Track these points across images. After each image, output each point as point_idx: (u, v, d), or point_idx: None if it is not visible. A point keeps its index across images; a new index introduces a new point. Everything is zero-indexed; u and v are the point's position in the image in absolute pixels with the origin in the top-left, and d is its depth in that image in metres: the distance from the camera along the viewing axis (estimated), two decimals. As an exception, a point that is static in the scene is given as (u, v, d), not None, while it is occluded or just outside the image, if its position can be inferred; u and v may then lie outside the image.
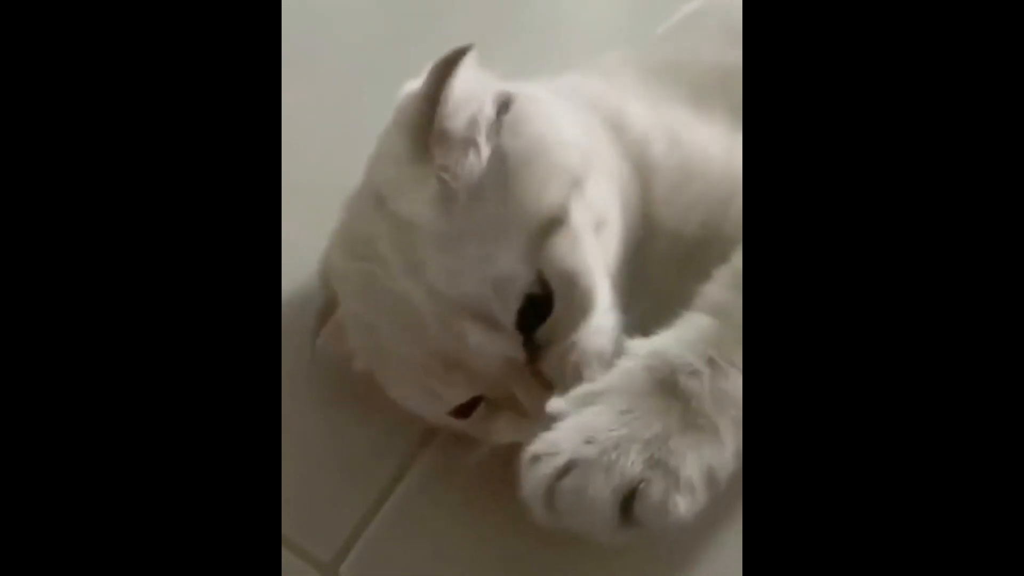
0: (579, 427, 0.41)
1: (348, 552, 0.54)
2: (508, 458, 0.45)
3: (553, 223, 0.45)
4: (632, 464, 0.40)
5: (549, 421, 0.42)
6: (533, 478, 0.41)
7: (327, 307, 0.52)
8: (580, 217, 0.46)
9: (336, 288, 0.51)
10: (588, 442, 0.41)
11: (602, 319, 0.46)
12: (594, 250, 0.46)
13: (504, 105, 0.47)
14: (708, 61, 0.54)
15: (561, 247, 0.45)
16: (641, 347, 0.43)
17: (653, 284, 0.49)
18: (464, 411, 0.48)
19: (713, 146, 0.50)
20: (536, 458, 0.41)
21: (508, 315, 0.44)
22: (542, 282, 0.44)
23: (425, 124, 0.45)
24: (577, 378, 0.44)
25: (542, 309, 0.45)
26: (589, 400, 0.42)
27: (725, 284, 0.45)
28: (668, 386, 0.41)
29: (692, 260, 0.49)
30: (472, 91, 0.46)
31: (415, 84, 0.49)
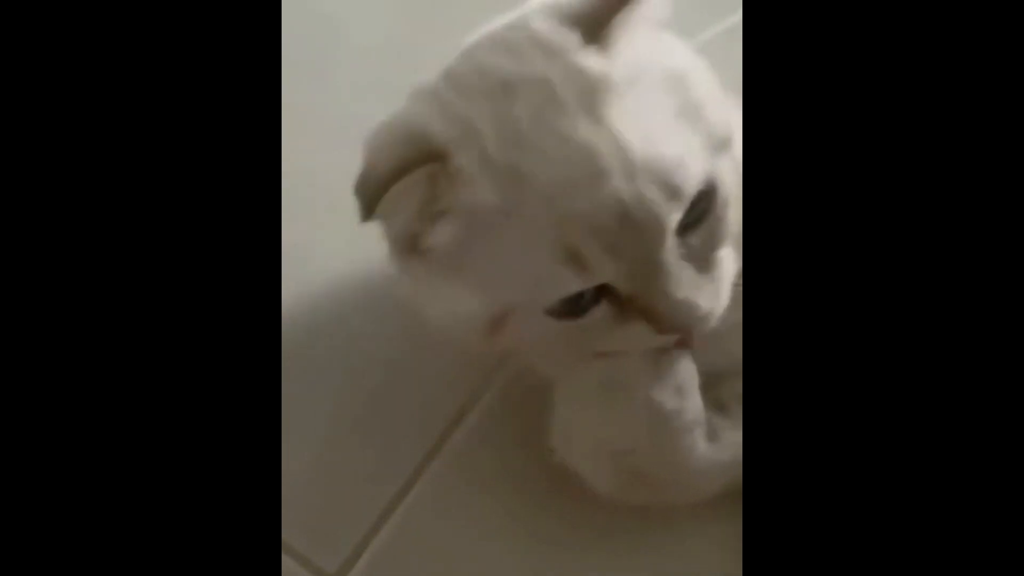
0: None
1: (355, 563, 0.54)
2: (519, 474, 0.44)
3: (726, 143, 0.46)
4: None
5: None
6: None
7: (405, 165, 0.44)
8: (728, 134, 0.47)
9: (448, 136, 0.44)
10: None
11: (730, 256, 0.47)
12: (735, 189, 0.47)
13: None
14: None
15: (726, 169, 0.46)
16: None
17: None
18: (573, 310, 0.46)
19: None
20: None
21: (687, 195, 0.44)
22: (707, 189, 0.45)
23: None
24: (722, 293, 0.46)
25: (697, 213, 0.45)
26: None
27: None
28: None
29: None
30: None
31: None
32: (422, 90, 0.47)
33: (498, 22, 0.48)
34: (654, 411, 0.49)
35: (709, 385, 0.51)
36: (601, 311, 0.45)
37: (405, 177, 0.44)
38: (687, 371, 0.50)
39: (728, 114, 0.47)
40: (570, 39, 0.44)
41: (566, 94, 0.43)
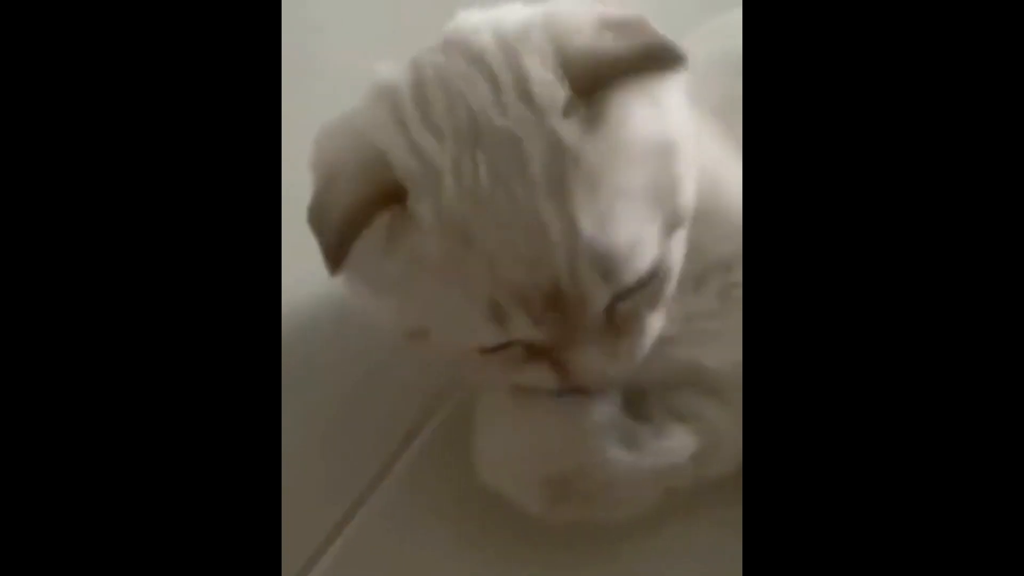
0: None
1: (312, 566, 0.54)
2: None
3: (681, 217, 0.46)
4: None
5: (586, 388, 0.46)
6: None
7: (365, 209, 0.43)
8: (688, 214, 0.47)
9: (408, 173, 0.43)
10: None
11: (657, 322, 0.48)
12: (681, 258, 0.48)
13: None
14: (721, 92, 0.54)
15: (677, 247, 0.47)
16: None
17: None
18: (487, 347, 0.46)
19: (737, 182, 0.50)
20: None
21: (626, 280, 0.43)
22: (651, 270, 0.45)
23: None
24: (626, 355, 0.46)
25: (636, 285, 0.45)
26: None
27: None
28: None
29: (708, 276, 0.51)
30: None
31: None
32: (386, 90, 0.45)
33: (508, 15, 0.46)
34: (568, 424, 0.49)
35: (636, 398, 0.52)
36: (513, 352, 0.46)
37: (366, 229, 0.43)
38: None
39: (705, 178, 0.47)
40: (557, 95, 0.42)
41: (534, 159, 0.42)
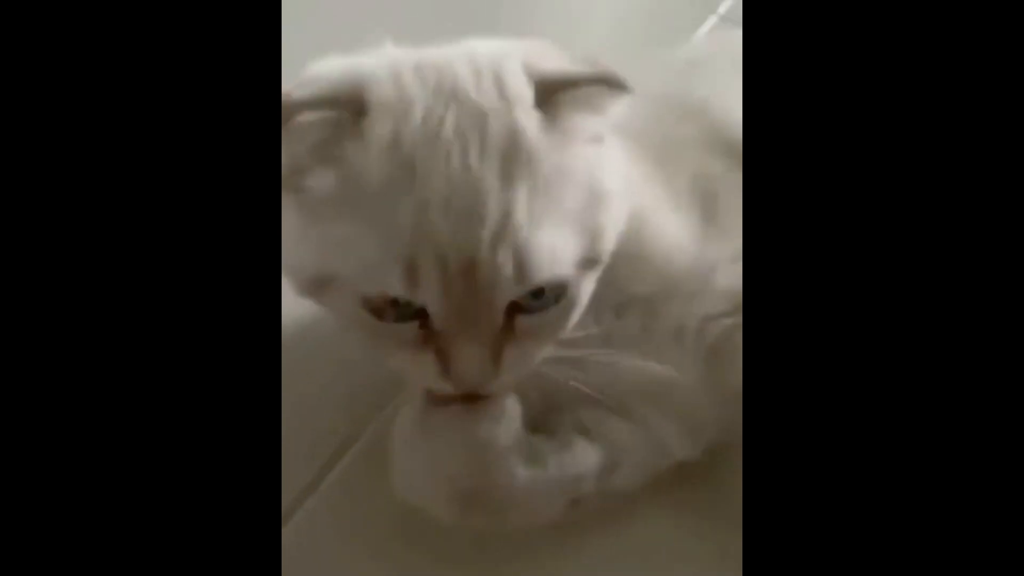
0: None
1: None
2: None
3: (597, 261, 0.49)
4: None
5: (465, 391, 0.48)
6: None
7: (327, 97, 0.45)
8: (605, 260, 0.50)
9: (380, 97, 0.45)
10: None
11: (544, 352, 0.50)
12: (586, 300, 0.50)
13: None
14: (663, 133, 0.58)
15: (587, 285, 0.49)
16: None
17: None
18: (385, 312, 0.47)
19: (673, 235, 0.54)
20: None
21: (534, 282, 0.45)
22: (557, 289, 0.47)
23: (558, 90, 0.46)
24: (518, 373, 0.49)
25: (541, 308, 0.47)
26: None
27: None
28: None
29: (630, 306, 0.55)
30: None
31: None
32: (389, 51, 0.49)
33: (495, 41, 0.50)
34: (473, 441, 0.51)
35: (541, 412, 0.55)
36: (407, 329, 0.47)
37: (320, 109, 0.45)
38: (504, 404, 0.52)
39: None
40: (526, 94, 0.46)
41: (494, 138, 0.44)
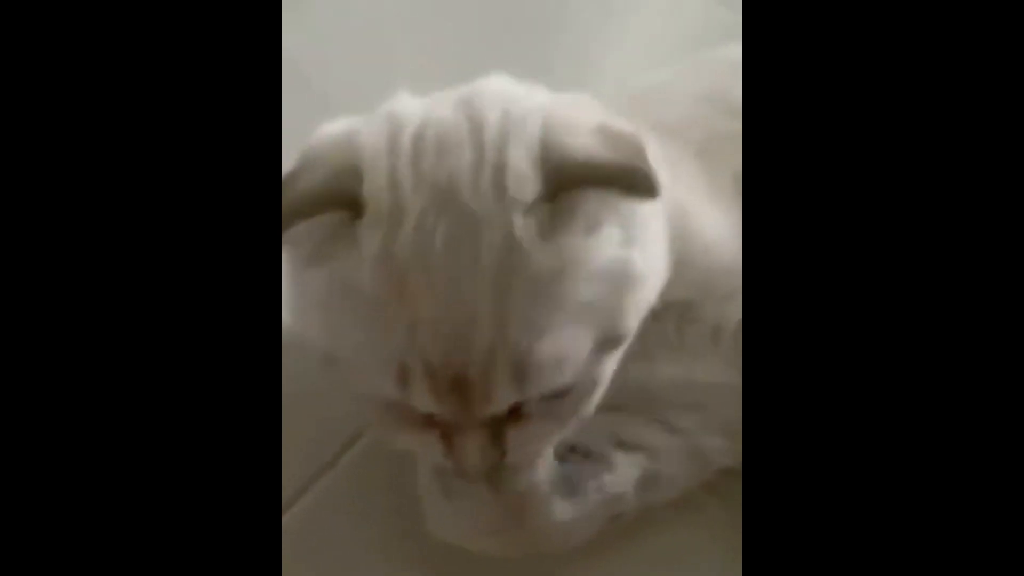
0: None
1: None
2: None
3: (621, 341, 0.45)
4: None
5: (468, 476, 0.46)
6: None
7: (323, 197, 0.43)
8: (630, 336, 0.46)
9: (374, 197, 0.43)
10: None
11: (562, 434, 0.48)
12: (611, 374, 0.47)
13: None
14: (707, 129, 0.55)
15: (608, 365, 0.46)
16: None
17: None
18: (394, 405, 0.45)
19: (713, 233, 0.51)
20: None
21: (538, 390, 0.43)
22: (577, 380, 0.44)
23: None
24: (527, 454, 0.47)
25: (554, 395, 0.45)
26: None
27: None
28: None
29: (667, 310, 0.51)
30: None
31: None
32: (393, 118, 0.46)
33: (522, 90, 0.47)
34: (507, 494, 0.49)
35: (581, 430, 0.51)
36: (410, 412, 0.45)
37: (318, 214, 0.43)
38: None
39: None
40: (527, 190, 0.42)
41: (487, 247, 0.41)
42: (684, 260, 0.49)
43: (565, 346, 0.42)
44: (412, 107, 0.46)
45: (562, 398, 0.44)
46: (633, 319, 0.45)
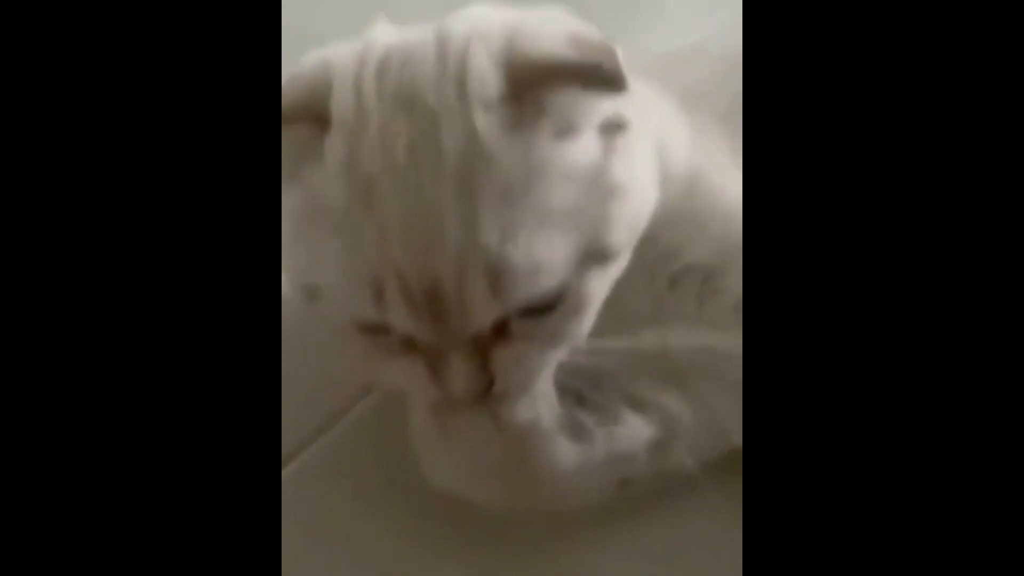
0: None
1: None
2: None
3: (606, 255, 0.44)
4: None
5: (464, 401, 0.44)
6: None
7: (291, 110, 0.43)
8: (622, 262, 0.46)
9: (340, 112, 0.43)
10: None
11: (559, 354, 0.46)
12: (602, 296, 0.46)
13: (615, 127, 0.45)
14: (730, 91, 0.52)
15: (596, 283, 0.44)
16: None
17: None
18: (367, 326, 0.45)
19: (737, 199, 0.49)
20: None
21: (519, 299, 0.42)
22: (561, 293, 0.43)
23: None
24: (517, 378, 0.45)
25: (538, 311, 0.43)
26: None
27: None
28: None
29: (686, 276, 0.50)
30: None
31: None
32: (367, 40, 0.45)
33: (499, 12, 0.46)
34: (508, 428, 0.47)
35: (588, 386, 0.50)
36: (390, 339, 0.44)
37: (289, 125, 0.43)
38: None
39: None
40: (488, 89, 0.41)
41: (450, 147, 0.41)
42: (699, 222, 0.48)
43: (540, 251, 0.41)
44: (388, 32, 0.46)
45: (546, 315, 0.43)
46: (620, 234, 0.44)
